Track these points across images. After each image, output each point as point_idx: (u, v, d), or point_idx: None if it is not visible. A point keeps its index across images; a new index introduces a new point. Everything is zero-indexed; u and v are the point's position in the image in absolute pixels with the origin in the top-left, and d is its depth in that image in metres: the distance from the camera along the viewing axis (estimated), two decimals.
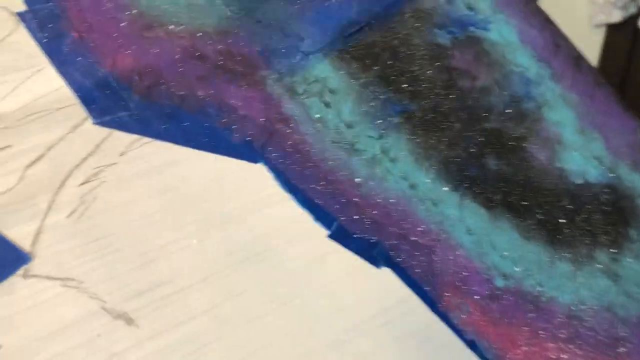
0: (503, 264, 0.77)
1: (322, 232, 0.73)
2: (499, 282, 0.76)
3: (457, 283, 0.74)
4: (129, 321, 0.62)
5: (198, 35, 0.83)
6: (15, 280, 0.62)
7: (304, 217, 0.74)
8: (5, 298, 0.61)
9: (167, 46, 0.81)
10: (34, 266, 0.63)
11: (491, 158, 0.85)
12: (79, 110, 0.73)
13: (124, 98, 0.75)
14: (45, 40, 0.76)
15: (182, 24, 0.83)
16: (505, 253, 0.78)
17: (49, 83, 0.74)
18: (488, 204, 0.81)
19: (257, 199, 0.74)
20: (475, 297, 0.74)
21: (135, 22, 0.81)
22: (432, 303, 0.72)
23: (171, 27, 0.82)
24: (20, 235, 0.64)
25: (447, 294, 0.73)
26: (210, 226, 0.70)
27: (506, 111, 0.90)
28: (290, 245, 0.71)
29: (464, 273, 0.75)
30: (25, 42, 0.76)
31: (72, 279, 0.63)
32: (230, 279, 0.67)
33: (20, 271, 0.63)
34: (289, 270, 0.69)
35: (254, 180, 0.75)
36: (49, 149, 0.70)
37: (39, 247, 0.64)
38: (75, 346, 0.60)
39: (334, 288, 0.70)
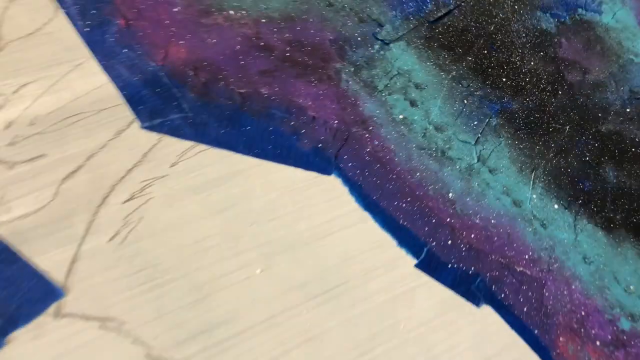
0: (629, 300, 0.64)
1: (408, 260, 0.61)
2: (625, 324, 0.63)
3: (573, 325, 0.61)
4: None
5: (262, 22, 0.72)
6: (46, 320, 0.53)
7: (387, 242, 0.62)
8: (33, 343, 0.51)
9: (226, 35, 0.70)
10: (68, 302, 0.54)
11: (609, 168, 0.72)
12: (125, 112, 0.63)
13: (176, 97, 0.65)
14: (87, 30, 0.67)
15: (243, 9, 0.73)
16: (632, 287, 0.65)
17: (90, 80, 0.64)
18: (608, 226, 0.68)
19: (331, 219, 0.62)
20: (597, 342, 0.61)
21: (190, 7, 0.70)
22: (543, 350, 0.60)
23: (231, 12, 0.72)
24: (52, 264, 0.54)
25: (561, 339, 0.61)
26: (277, 252, 0.59)
27: (626, 110, 0.77)
28: (371, 276, 0.60)
29: (581, 312, 0.62)
30: (64, 31, 0.66)
31: (113, 319, 0.53)
32: (301, 318, 0.56)
33: (52, 308, 0.53)
34: (371, 308, 0.58)
35: (327, 196, 0.64)
36: (89, 158, 0.60)
37: (74, 279, 0.54)
38: None
39: (424, 331, 0.58)
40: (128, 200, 0.59)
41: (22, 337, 0.51)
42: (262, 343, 0.55)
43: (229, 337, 0.55)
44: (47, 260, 0.55)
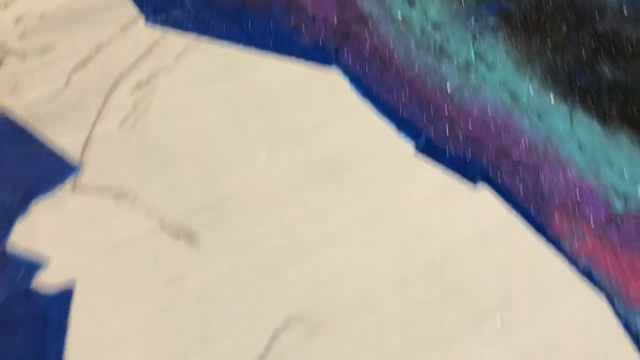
0: (622, 184, 0.71)
1: (407, 146, 0.68)
2: (618, 205, 0.69)
3: (568, 206, 0.68)
4: (191, 240, 0.59)
5: None
6: (64, 193, 0.59)
7: (387, 130, 0.69)
8: (53, 212, 0.58)
9: None
10: (84, 178, 0.60)
11: (605, 65, 0.78)
12: (130, 9, 0.70)
13: None
14: None
15: None
16: (624, 171, 0.72)
17: None
18: (603, 117, 0.75)
19: (332, 108, 0.69)
20: (591, 221, 0.68)
21: None
22: (539, 227, 0.67)
23: None
24: (68, 145, 0.61)
25: (557, 218, 0.67)
26: (280, 138, 0.66)
27: (623, 10, 0.82)
28: (372, 161, 0.67)
29: (577, 195, 0.69)
30: None
31: (127, 194, 0.60)
32: (305, 195, 0.63)
33: (69, 184, 0.60)
34: (372, 188, 0.65)
35: (328, 87, 0.70)
36: (97, 51, 0.67)
37: (89, 158, 0.61)
38: (129, 268, 0.57)
39: (423, 208, 0.65)
40: (136, 89, 0.66)
41: (42, 209, 0.59)
42: (269, 217, 0.62)
43: (238, 210, 0.62)
44: (63, 141, 0.62)
